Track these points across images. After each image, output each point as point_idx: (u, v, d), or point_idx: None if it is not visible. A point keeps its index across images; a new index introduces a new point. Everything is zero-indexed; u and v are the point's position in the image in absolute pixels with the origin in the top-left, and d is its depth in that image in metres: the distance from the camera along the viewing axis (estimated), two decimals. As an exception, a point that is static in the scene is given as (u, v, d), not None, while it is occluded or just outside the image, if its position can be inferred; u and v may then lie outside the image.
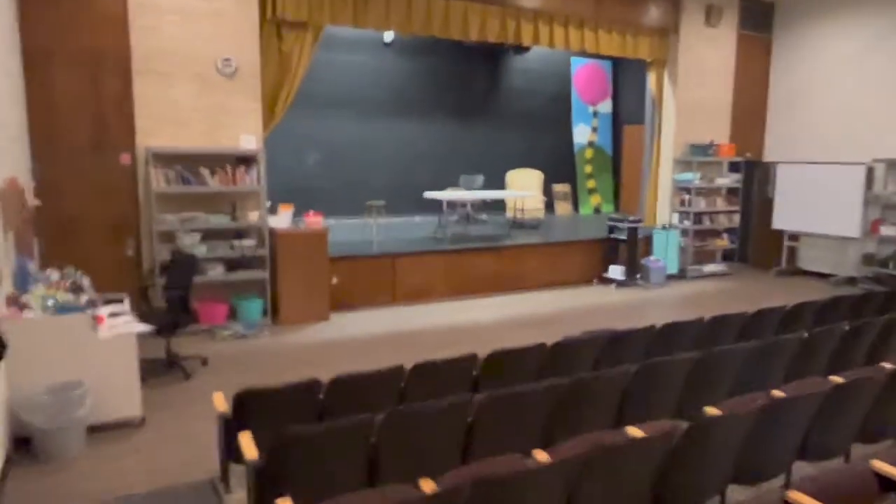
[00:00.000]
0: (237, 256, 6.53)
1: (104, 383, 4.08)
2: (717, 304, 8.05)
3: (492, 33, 8.25)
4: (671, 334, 4.46)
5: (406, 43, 11.17)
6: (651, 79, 9.79)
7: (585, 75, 13.00)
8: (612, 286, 8.87)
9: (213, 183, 6.37)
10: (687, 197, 9.56)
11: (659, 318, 7.44)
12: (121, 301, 4.98)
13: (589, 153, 13.14)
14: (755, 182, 10.37)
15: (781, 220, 9.87)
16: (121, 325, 4.31)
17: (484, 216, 10.33)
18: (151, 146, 6.19)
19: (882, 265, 8.85)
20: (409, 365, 3.55)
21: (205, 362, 5.44)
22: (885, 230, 8.80)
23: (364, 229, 9.24)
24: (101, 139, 6.11)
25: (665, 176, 9.82)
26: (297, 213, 7.05)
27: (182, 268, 5.39)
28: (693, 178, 9.41)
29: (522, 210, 9.90)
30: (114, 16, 6.03)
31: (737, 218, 9.99)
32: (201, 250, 6.29)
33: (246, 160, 6.58)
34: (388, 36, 10.93)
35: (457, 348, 6.02)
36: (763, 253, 10.31)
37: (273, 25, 7.00)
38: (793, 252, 9.97)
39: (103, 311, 4.33)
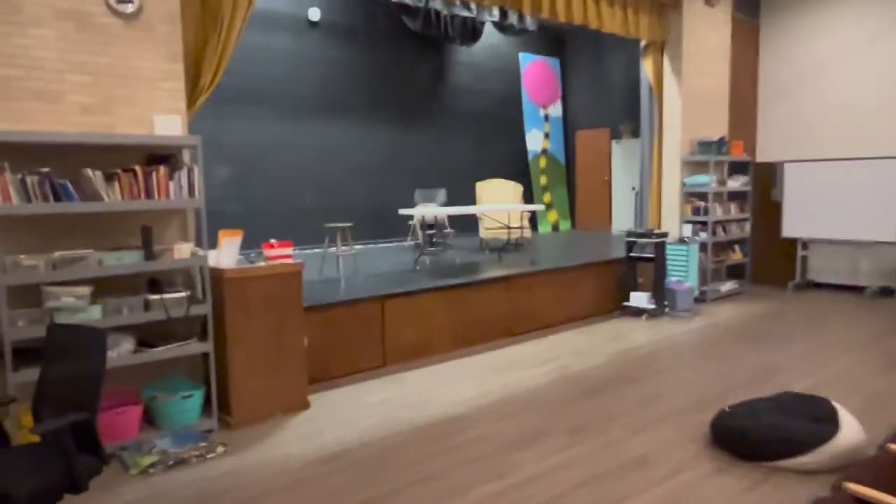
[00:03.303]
0: (157, 320, 3.84)
1: None
2: (786, 332, 6.39)
3: (486, -7, 6.19)
4: None
5: (337, 22, 8.81)
6: (647, 65, 8.16)
7: (535, 73, 11.27)
8: (643, 318, 7.01)
9: (111, 196, 3.67)
10: (702, 204, 7.97)
11: (742, 358, 5.46)
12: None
13: (542, 162, 11.37)
14: (753, 184, 9.04)
15: (793, 226, 8.58)
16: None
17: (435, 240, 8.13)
18: (-12, 132, 3.40)
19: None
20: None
21: (127, 542, 2.76)
22: (924, 232, 7.70)
23: (311, 263, 6.71)
24: None
25: (670, 180, 8.19)
26: (247, 244, 4.46)
27: (72, 357, 2.69)
28: (709, 181, 7.84)
29: (521, 229, 7.77)
30: None
31: (748, 227, 8.57)
32: (93, 315, 3.56)
33: (165, 158, 3.94)
34: (315, 13, 8.51)
35: (533, 452, 3.78)
36: (769, 266, 8.97)
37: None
38: (804, 263, 8.71)
39: None
